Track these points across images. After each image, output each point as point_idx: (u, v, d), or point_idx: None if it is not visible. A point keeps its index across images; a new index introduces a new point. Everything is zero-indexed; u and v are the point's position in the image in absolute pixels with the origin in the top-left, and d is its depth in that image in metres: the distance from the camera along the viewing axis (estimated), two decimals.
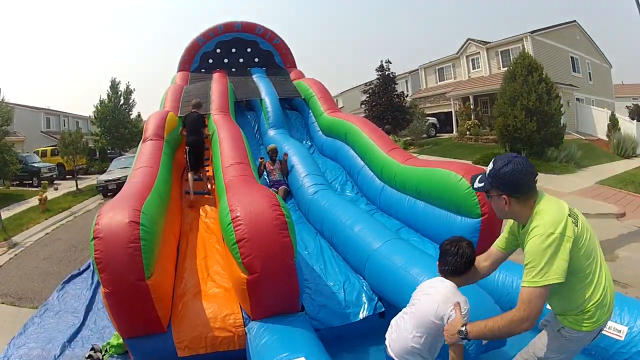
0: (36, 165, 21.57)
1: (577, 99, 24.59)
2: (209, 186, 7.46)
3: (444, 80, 29.79)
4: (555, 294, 2.13)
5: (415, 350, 2.48)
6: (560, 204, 2.20)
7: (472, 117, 23.59)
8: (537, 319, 2.07)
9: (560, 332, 2.28)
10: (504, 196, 2.21)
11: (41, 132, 33.98)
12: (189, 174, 7.29)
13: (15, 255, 9.04)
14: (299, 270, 3.78)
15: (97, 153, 28.85)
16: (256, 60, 13.68)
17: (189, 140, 7.54)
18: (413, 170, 5.71)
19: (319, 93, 10.30)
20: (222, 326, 3.83)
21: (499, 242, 2.55)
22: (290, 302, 3.84)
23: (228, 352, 3.80)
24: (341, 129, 8.38)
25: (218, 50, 13.46)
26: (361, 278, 4.76)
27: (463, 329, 2.21)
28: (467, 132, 22.29)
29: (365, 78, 25.85)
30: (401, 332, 2.56)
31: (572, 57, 25.58)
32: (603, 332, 3.35)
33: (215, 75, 11.91)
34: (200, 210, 6.67)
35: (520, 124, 15.13)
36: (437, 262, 2.64)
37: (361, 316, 4.32)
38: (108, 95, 28.39)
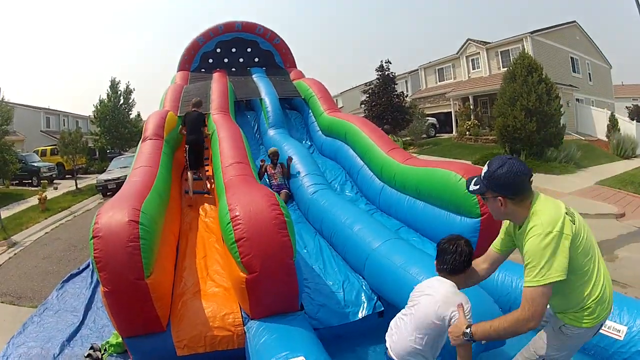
0: (36, 165, 21.54)
1: (577, 100, 24.59)
2: (209, 185, 7.46)
3: (443, 80, 29.77)
4: (555, 293, 2.14)
5: (417, 351, 2.47)
6: (556, 203, 2.21)
7: (472, 117, 23.59)
8: (542, 317, 2.08)
9: (561, 329, 2.28)
10: (500, 198, 2.22)
11: (41, 131, 33.98)
12: (189, 173, 7.29)
13: (15, 254, 9.04)
14: (298, 270, 3.79)
15: (97, 152, 28.84)
16: (256, 60, 13.70)
17: (189, 139, 7.54)
18: (413, 170, 5.72)
19: (319, 93, 10.31)
20: (221, 325, 3.83)
21: (496, 244, 2.56)
22: (290, 302, 3.85)
23: (227, 351, 3.80)
24: (341, 129, 8.39)
25: (218, 50, 13.47)
26: (360, 277, 4.77)
27: (468, 330, 2.21)
28: (467, 133, 22.29)
29: (365, 78, 25.89)
30: (402, 333, 2.55)
31: (572, 58, 25.58)
32: (603, 332, 3.39)
33: (215, 75, 11.92)
34: (200, 209, 6.67)
35: (520, 125, 15.12)
36: (435, 262, 2.63)
37: (360, 315, 4.32)
38: (108, 95, 28.35)
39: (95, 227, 3.54)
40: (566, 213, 2.15)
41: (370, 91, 24.48)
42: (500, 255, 2.55)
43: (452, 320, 2.37)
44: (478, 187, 2.31)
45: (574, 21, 26.63)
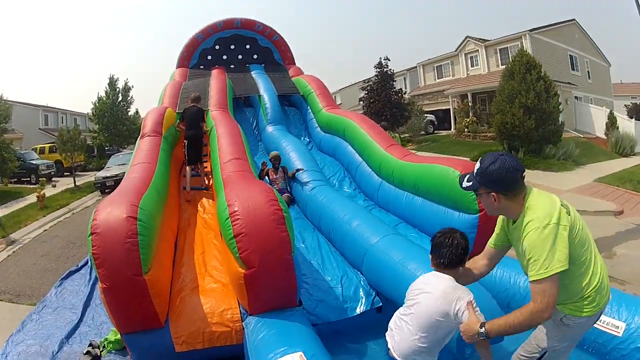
0: (34, 163, 21.53)
1: (576, 97, 24.59)
2: (207, 182, 7.45)
3: (442, 77, 29.75)
4: None
5: (422, 349, 2.45)
6: (550, 197, 2.23)
7: (470, 114, 23.59)
8: (556, 305, 2.10)
9: (562, 320, 2.30)
10: (493, 193, 2.24)
11: (39, 129, 33.96)
12: (187, 168, 7.28)
13: (14, 252, 9.02)
14: (296, 265, 3.79)
15: (95, 150, 28.80)
16: (255, 57, 13.68)
17: (188, 134, 7.54)
18: (411, 166, 5.72)
19: (318, 90, 10.30)
20: (219, 321, 3.83)
21: (492, 240, 2.58)
22: (288, 297, 3.84)
23: (225, 347, 3.81)
24: (339, 126, 8.39)
25: (217, 47, 13.45)
26: (359, 273, 4.78)
27: (482, 330, 2.21)
28: (465, 130, 22.31)
29: (365, 76, 25.86)
30: (405, 334, 2.52)
31: (570, 56, 25.59)
32: (601, 328, 3.40)
33: (214, 72, 11.91)
34: (198, 205, 6.67)
35: (519, 122, 15.12)
36: (431, 256, 2.61)
37: (358, 311, 4.33)
38: (106, 92, 28.30)
39: (93, 223, 3.54)
40: (561, 205, 2.18)
41: (368, 88, 24.46)
42: (498, 250, 2.56)
43: (459, 314, 2.35)
44: (471, 183, 2.33)
45: (573, 19, 26.63)
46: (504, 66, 20.12)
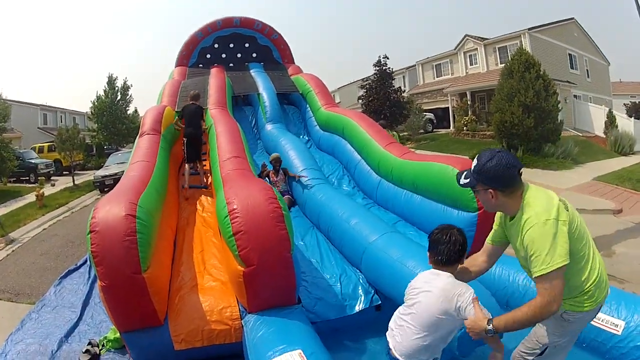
0: (33, 162, 21.52)
1: (575, 96, 24.60)
2: (206, 180, 7.45)
3: (441, 76, 29.76)
4: None
5: (426, 348, 2.45)
6: (548, 193, 2.25)
7: (469, 113, 23.59)
8: (562, 297, 2.11)
9: (562, 316, 2.31)
10: (490, 190, 2.25)
11: (38, 128, 33.92)
12: (186, 166, 7.28)
13: (13, 251, 9.02)
14: (295, 263, 3.78)
15: (94, 149, 28.78)
16: (254, 55, 13.67)
17: (187, 132, 7.54)
18: (410, 164, 5.72)
19: (317, 88, 10.31)
20: (218, 319, 3.83)
21: (490, 236, 2.59)
22: (287, 295, 3.84)
23: (225, 345, 3.81)
24: (338, 124, 8.38)
25: (216, 46, 13.45)
26: (357, 271, 4.78)
27: (490, 327, 2.22)
28: (464, 128, 22.29)
29: (364, 75, 25.82)
30: (406, 334, 2.50)
31: (569, 54, 25.60)
32: (600, 326, 3.40)
33: (213, 70, 11.91)
34: (197, 204, 6.66)
35: (518, 120, 15.12)
36: (428, 253, 2.60)
37: (357, 309, 4.33)
38: (105, 91, 28.22)
39: (92, 221, 3.53)
40: (559, 200, 2.19)
41: (367, 86, 24.47)
42: (496, 247, 2.57)
43: (461, 310, 2.35)
44: (468, 180, 2.34)
45: (572, 18, 26.63)
46: (503, 65, 20.10)
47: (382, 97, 23.22)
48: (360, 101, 25.76)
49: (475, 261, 2.63)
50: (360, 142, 7.31)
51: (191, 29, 13.20)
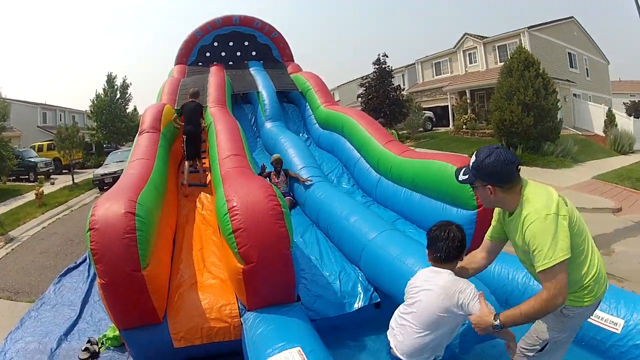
0: (33, 160, 21.52)
1: (574, 95, 24.63)
2: (206, 178, 7.44)
3: (440, 74, 29.76)
4: None
5: (429, 346, 2.44)
6: (547, 189, 2.26)
7: (469, 111, 23.60)
8: (567, 288, 2.11)
9: (562, 312, 2.32)
10: (489, 186, 2.27)
11: (37, 127, 33.87)
12: (185, 163, 7.27)
13: (12, 249, 9.03)
14: (295, 261, 3.78)
15: (94, 147, 28.81)
16: (254, 53, 13.65)
17: (186, 130, 7.53)
18: (409, 162, 5.71)
19: (316, 86, 10.30)
20: (218, 317, 3.82)
21: (488, 232, 2.60)
22: (286, 293, 3.84)
23: (224, 342, 3.80)
24: (338, 122, 8.38)
25: (216, 44, 13.43)
26: (357, 268, 4.79)
27: (497, 322, 2.22)
28: (464, 126, 22.30)
29: (364, 74, 25.76)
30: (408, 333, 2.48)
31: (569, 53, 25.60)
32: (600, 324, 3.40)
33: (213, 69, 11.89)
34: (197, 202, 6.66)
35: (517, 119, 15.13)
36: (427, 251, 2.59)
37: (356, 306, 4.34)
38: (104, 90, 28.22)
39: (91, 219, 3.52)
40: (558, 196, 2.21)
41: (367, 84, 24.43)
42: (495, 243, 2.57)
43: (464, 306, 2.34)
44: (467, 176, 2.35)
45: (572, 17, 26.63)
46: (502, 63, 20.11)
47: (382, 95, 23.19)
48: (359, 99, 25.72)
49: (474, 258, 2.63)
50: (360, 140, 7.30)
51: (191, 29, 13.17)
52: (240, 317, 3.82)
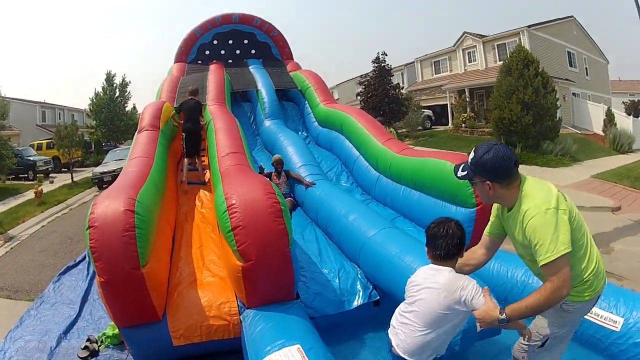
0: (32, 159, 21.50)
1: (574, 94, 24.63)
2: (205, 176, 7.43)
3: (440, 73, 29.77)
4: None
5: (431, 344, 2.41)
6: (546, 184, 2.27)
7: (468, 109, 23.61)
8: (571, 283, 2.12)
9: (562, 307, 2.33)
10: (487, 182, 2.27)
11: (37, 125, 33.83)
12: (184, 160, 7.27)
13: (12, 248, 9.03)
14: (294, 258, 3.78)
15: (93, 145, 28.71)
16: (253, 52, 13.63)
17: (186, 127, 7.53)
18: (408, 160, 5.72)
19: (315, 84, 10.29)
20: (217, 315, 3.82)
21: (487, 228, 2.61)
22: (286, 290, 3.84)
23: (223, 340, 3.80)
24: (337, 120, 8.38)
25: (215, 42, 13.40)
26: (356, 266, 4.79)
27: (503, 316, 2.22)
28: (463, 125, 22.31)
29: (363, 73, 25.75)
30: (410, 331, 2.44)
31: (568, 52, 25.60)
32: (599, 323, 3.41)
33: (212, 67, 11.86)
34: (196, 200, 6.65)
35: (516, 117, 15.15)
36: (427, 248, 2.56)
37: (356, 304, 4.34)
38: (103, 88, 28.19)
39: (91, 217, 3.52)
40: (557, 191, 2.22)
41: (366, 83, 24.40)
42: (494, 239, 2.58)
43: (467, 302, 2.32)
44: (466, 173, 2.36)
45: (571, 16, 26.64)
46: (501, 62, 20.10)
47: (381, 94, 23.14)
48: (358, 97, 25.70)
49: (474, 254, 2.63)
50: (359, 138, 7.30)
51: (191, 28, 13.14)
52: (240, 315, 3.82)
